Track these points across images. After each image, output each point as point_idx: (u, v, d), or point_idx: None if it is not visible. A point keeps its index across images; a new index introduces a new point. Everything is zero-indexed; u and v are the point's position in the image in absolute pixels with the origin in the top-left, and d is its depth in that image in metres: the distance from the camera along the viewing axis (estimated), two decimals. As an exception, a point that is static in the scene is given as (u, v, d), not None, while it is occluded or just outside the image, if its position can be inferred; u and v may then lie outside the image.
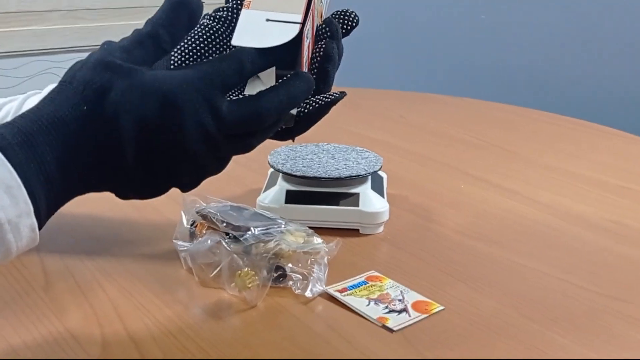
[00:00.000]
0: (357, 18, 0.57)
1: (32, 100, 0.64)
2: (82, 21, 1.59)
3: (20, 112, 0.64)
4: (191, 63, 0.55)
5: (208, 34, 0.55)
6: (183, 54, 0.54)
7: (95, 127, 0.45)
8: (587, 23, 1.57)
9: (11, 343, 0.48)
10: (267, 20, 0.51)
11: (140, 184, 0.49)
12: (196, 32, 0.54)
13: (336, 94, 0.55)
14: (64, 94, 0.46)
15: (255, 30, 0.50)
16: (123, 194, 0.51)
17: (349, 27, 0.57)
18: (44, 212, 0.45)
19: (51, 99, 0.46)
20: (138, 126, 0.46)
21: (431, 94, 1.29)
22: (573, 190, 0.81)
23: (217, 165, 0.50)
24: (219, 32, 0.55)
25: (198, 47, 0.55)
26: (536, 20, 1.64)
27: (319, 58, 0.54)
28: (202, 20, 0.57)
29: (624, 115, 1.44)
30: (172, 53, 0.53)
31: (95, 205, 0.71)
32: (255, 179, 0.77)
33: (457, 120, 1.11)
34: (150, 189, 0.50)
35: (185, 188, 0.52)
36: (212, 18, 0.56)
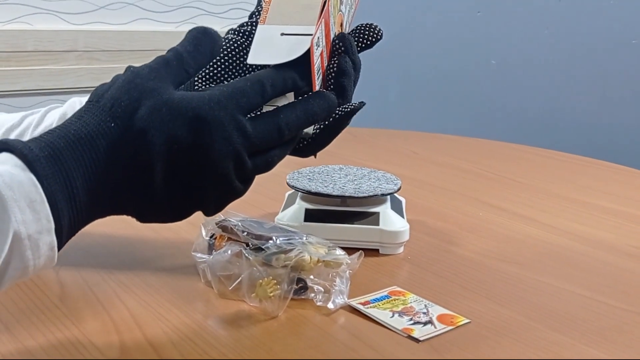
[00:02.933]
0: (380, 32, 0.57)
1: (53, 113, 0.65)
2: (97, 62, 1.61)
3: (41, 125, 0.65)
4: (217, 76, 0.56)
5: (232, 48, 0.56)
6: (211, 67, 0.55)
7: (124, 144, 0.44)
8: (596, 67, 1.59)
9: (27, 346, 0.47)
10: (282, 34, 0.50)
11: (166, 206, 0.47)
12: (222, 47, 0.55)
13: (355, 104, 0.55)
14: (92, 112, 0.45)
15: (270, 47, 0.50)
16: (145, 217, 0.48)
17: (372, 40, 0.57)
18: (65, 231, 0.43)
19: (78, 117, 0.45)
20: (167, 143, 0.45)
21: (441, 134, 1.30)
22: (590, 218, 0.80)
23: (243, 188, 0.49)
24: (243, 47, 0.56)
25: (224, 60, 0.55)
26: (545, 63, 1.67)
27: (333, 73, 0.54)
28: (226, 35, 0.58)
29: (627, 153, 1.44)
30: (200, 72, 0.54)
31: (110, 225, 0.70)
32: (271, 204, 0.77)
33: (468, 156, 1.11)
34: (174, 212, 0.48)
35: (209, 212, 0.50)
36: (236, 32, 0.57)
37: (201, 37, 0.51)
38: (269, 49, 0.50)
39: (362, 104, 0.55)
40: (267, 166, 0.50)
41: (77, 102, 0.64)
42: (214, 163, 0.46)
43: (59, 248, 0.43)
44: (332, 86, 0.54)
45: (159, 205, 0.47)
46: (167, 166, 0.45)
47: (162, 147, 0.45)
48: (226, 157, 0.46)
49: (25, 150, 0.41)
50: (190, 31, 0.52)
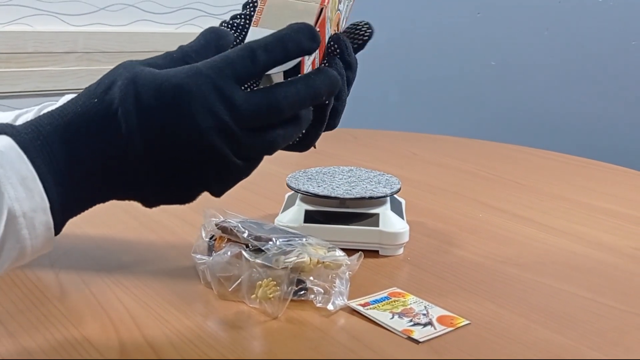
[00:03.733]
0: (368, 31, 0.55)
1: (48, 110, 0.64)
2: (97, 63, 1.61)
3: None
4: None
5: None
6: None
7: (102, 120, 0.43)
8: (596, 69, 1.59)
9: (26, 347, 0.47)
10: None
11: (161, 185, 0.45)
12: None
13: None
14: (82, 94, 0.45)
15: None
16: (148, 200, 0.47)
17: (364, 39, 0.55)
18: (58, 212, 0.42)
19: (70, 99, 0.45)
20: (141, 116, 0.43)
21: (441, 135, 1.30)
22: (590, 219, 0.80)
23: (244, 166, 0.46)
24: (237, 42, 0.55)
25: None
26: (545, 65, 1.67)
27: None
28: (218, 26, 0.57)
29: (627, 154, 1.44)
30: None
31: (110, 226, 0.70)
32: (271, 205, 0.77)
33: (468, 157, 1.11)
34: (174, 191, 0.46)
35: (213, 191, 0.47)
36: (228, 25, 0.57)
37: (208, 35, 0.50)
38: None
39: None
40: (270, 146, 0.47)
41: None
42: (199, 135, 0.43)
43: (56, 232, 0.43)
44: None
45: (156, 186, 0.45)
46: (145, 138, 0.43)
47: (135, 119, 0.43)
48: (211, 129, 0.43)
49: (8, 129, 0.42)
50: (201, 31, 0.51)
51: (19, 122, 0.65)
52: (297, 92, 0.46)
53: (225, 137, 0.44)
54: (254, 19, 0.50)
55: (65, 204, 0.43)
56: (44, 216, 0.41)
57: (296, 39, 0.46)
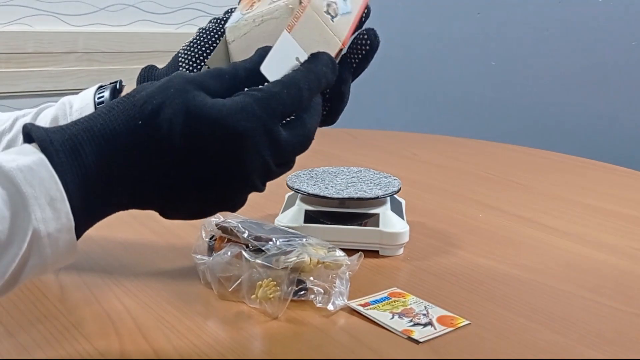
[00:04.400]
0: (369, 43, 0.54)
1: (45, 114, 0.63)
2: (96, 64, 1.61)
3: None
4: (196, 61, 0.56)
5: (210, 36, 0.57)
6: (188, 51, 0.57)
7: (147, 143, 0.42)
8: (596, 69, 1.59)
9: (26, 347, 0.47)
10: (297, 59, 0.48)
11: (187, 207, 0.46)
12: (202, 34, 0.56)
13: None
14: (123, 106, 0.43)
15: (283, 64, 0.48)
16: (168, 215, 0.46)
17: (367, 51, 0.54)
18: (81, 227, 0.42)
19: (109, 109, 0.43)
20: (189, 149, 0.43)
21: (441, 136, 1.30)
22: (591, 220, 0.80)
23: (263, 187, 0.47)
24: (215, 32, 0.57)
25: (201, 47, 0.57)
26: (545, 65, 1.67)
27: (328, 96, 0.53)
28: (208, 24, 0.59)
29: (627, 154, 1.44)
30: (180, 52, 0.56)
31: (111, 227, 0.70)
32: (271, 205, 0.77)
33: (468, 157, 1.11)
34: (196, 212, 0.47)
35: (233, 210, 0.48)
36: (222, 21, 0.58)
37: (262, 52, 0.48)
38: (281, 66, 0.47)
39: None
40: (288, 168, 0.48)
41: (67, 103, 0.63)
42: (243, 175, 0.44)
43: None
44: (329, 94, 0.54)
45: (181, 207, 0.46)
46: (192, 171, 0.43)
47: (182, 152, 0.43)
48: (255, 171, 0.44)
49: (46, 142, 0.41)
50: (257, 49, 0.49)
51: (17, 127, 0.65)
52: (317, 118, 0.48)
53: (263, 174, 0.45)
54: (288, 23, 0.49)
55: (90, 220, 0.43)
56: (68, 235, 0.41)
57: (329, 78, 0.48)
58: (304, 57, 0.48)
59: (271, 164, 0.45)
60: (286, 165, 0.48)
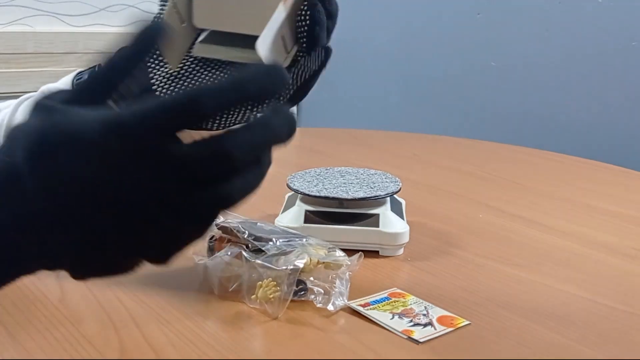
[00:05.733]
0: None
1: (25, 105, 0.62)
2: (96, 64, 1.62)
3: (14, 120, 0.63)
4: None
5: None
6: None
7: (12, 181, 0.34)
8: (596, 69, 1.59)
9: (26, 347, 0.47)
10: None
11: (87, 257, 0.35)
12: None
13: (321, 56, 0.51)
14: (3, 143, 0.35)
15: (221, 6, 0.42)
16: (77, 271, 0.36)
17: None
18: None
19: None
20: (50, 180, 0.33)
21: (442, 136, 1.30)
22: (591, 220, 0.80)
23: (197, 226, 0.35)
24: None
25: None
26: (545, 65, 1.67)
27: (305, 23, 0.49)
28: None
29: (627, 154, 1.44)
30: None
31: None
32: (271, 206, 0.77)
33: (468, 157, 1.11)
34: (102, 260, 0.35)
35: (154, 260, 0.35)
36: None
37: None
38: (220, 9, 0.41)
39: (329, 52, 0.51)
40: (225, 201, 0.35)
41: (47, 91, 0.60)
42: (126, 204, 0.33)
43: None
44: (304, 36, 0.50)
45: (80, 257, 0.35)
46: (62, 209, 0.33)
47: (42, 183, 0.33)
48: (147, 198, 0.33)
49: None
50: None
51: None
52: (253, 138, 0.35)
53: (161, 203, 0.34)
54: None
55: None
56: None
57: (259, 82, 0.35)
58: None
59: (169, 190, 0.33)
60: (214, 194, 0.34)
